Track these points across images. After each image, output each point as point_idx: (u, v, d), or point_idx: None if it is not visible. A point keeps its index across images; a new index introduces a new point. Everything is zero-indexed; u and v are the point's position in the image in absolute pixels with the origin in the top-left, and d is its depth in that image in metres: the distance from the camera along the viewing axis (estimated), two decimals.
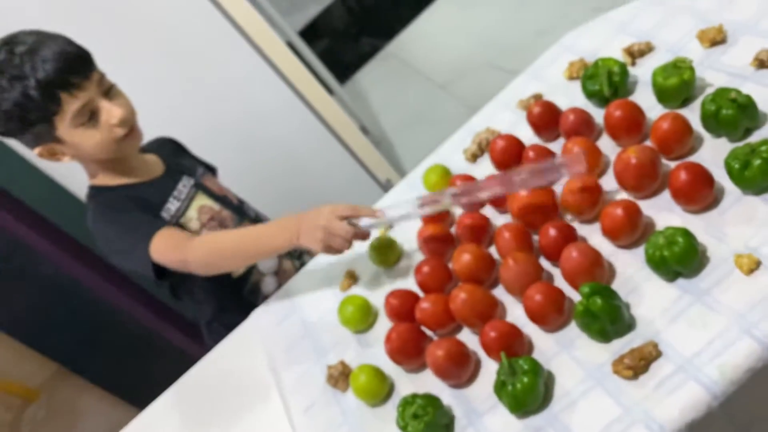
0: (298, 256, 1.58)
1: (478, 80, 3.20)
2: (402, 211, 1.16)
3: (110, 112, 1.25)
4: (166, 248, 1.27)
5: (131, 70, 2.08)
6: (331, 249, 1.16)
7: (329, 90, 3.06)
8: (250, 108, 2.36)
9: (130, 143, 1.31)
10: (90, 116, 1.24)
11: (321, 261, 1.39)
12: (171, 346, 2.43)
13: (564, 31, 1.42)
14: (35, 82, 1.17)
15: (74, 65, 1.20)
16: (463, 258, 1.06)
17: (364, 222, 1.17)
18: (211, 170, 1.60)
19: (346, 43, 4.23)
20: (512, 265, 1.00)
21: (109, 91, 1.27)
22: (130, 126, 1.29)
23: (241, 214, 1.51)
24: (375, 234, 1.22)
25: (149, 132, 1.59)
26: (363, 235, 1.17)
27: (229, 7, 2.19)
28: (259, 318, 1.38)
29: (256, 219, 1.56)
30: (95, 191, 1.38)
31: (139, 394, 2.20)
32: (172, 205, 1.39)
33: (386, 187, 2.67)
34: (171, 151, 1.53)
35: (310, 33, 4.32)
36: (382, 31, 3.95)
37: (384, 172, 2.71)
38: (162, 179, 1.42)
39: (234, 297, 1.41)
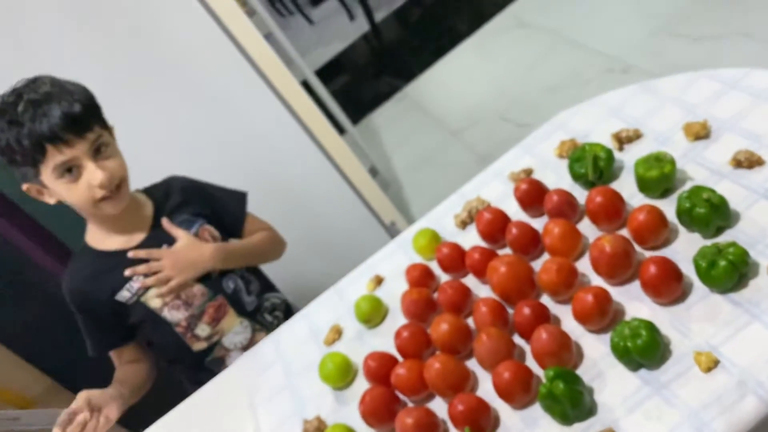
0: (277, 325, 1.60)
1: (488, 130, 3.26)
2: None
3: (93, 173, 1.29)
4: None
5: (141, 109, 2.17)
6: None
7: (341, 129, 3.13)
8: (260, 143, 2.41)
9: (111, 205, 1.35)
10: (71, 171, 1.29)
11: (309, 312, 1.44)
12: (163, 370, 2.47)
13: (575, 89, 1.47)
14: (28, 131, 1.23)
15: (72, 125, 1.25)
16: (441, 327, 1.10)
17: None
18: (221, 212, 1.61)
19: (364, 81, 4.32)
20: (485, 341, 1.04)
21: (100, 150, 1.31)
22: (112, 188, 1.33)
23: (216, 288, 1.51)
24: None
25: (166, 164, 1.64)
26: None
27: (248, 48, 2.26)
28: (245, 363, 1.42)
29: (233, 294, 1.53)
30: (80, 250, 1.47)
31: (130, 415, 2.25)
32: (135, 283, 1.43)
33: (390, 230, 2.71)
34: (173, 199, 1.54)
35: (331, 69, 4.42)
36: (401, 73, 4.04)
37: (389, 215, 2.76)
38: (142, 244, 1.46)
39: (195, 368, 1.46)
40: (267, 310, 1.62)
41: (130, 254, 1.42)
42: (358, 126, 3.76)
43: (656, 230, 1.05)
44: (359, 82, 4.35)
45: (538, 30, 3.65)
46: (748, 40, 2.63)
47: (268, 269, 1.84)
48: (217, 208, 1.61)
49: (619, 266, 1.04)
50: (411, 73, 3.96)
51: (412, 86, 3.94)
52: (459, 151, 3.30)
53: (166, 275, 1.44)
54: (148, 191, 1.56)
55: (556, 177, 1.29)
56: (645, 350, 0.92)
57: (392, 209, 2.78)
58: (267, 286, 1.71)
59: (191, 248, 1.47)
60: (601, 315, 1.01)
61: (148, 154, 2.17)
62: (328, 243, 2.61)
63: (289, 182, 2.49)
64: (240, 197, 1.67)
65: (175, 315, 1.47)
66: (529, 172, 1.34)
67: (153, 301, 1.45)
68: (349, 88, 4.26)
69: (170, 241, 1.47)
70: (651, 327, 0.94)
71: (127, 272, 1.41)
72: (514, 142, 1.46)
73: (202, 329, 1.50)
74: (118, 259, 1.43)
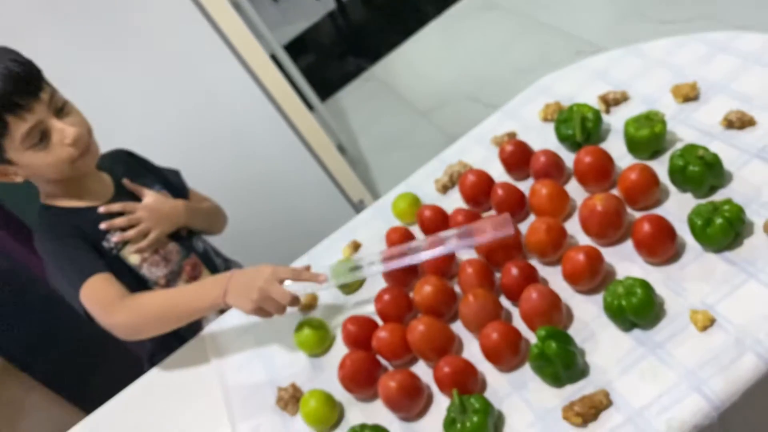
0: None
1: (457, 111, 3.23)
2: (345, 278, 1.15)
3: (62, 132, 1.20)
4: (93, 302, 1.24)
5: (106, 75, 2.08)
6: (261, 312, 1.14)
7: (309, 106, 3.06)
8: (227, 116, 2.34)
9: (84, 162, 1.27)
10: (41, 137, 1.20)
11: None
12: (123, 350, 2.38)
13: (544, 71, 1.44)
14: None
15: (21, 85, 1.15)
16: (424, 290, 1.06)
17: (300, 286, 1.16)
18: (169, 183, 1.56)
19: (330, 60, 4.24)
20: (471, 302, 1.00)
21: (62, 109, 1.23)
22: (84, 145, 1.25)
23: (188, 247, 1.47)
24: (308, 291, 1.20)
25: (121, 139, 1.57)
26: (297, 302, 1.15)
27: (215, 15, 2.18)
28: (212, 333, 1.36)
29: (204, 253, 1.51)
30: (43, 209, 1.35)
31: (86, 397, 2.15)
32: (114, 236, 1.35)
33: (358, 207, 2.66)
34: (125, 167, 1.47)
35: (296, 47, 4.33)
36: (368, 53, 3.97)
37: (357, 193, 2.71)
38: (110, 203, 1.37)
39: (173, 333, 1.38)
40: None
41: (102, 209, 1.34)
42: (325, 105, 3.68)
43: (648, 190, 1.02)
44: (325, 62, 4.27)
45: (507, 11, 3.62)
46: (716, 24, 2.64)
47: (234, 245, 1.77)
48: (164, 180, 1.55)
49: (611, 226, 1.01)
50: (378, 53, 3.90)
51: (380, 66, 3.88)
52: (428, 131, 3.26)
53: (146, 227, 1.37)
54: (97, 163, 1.48)
55: (541, 140, 1.26)
56: (640, 309, 0.89)
57: (360, 187, 2.73)
58: (227, 259, 1.66)
59: (164, 202, 1.43)
60: (593, 275, 0.97)
61: (111, 123, 2.08)
62: (295, 220, 2.54)
63: (255, 156, 2.42)
64: (177, 173, 1.61)
65: (154, 272, 1.40)
66: (512, 135, 1.30)
67: (131, 257, 1.37)
68: (314, 68, 4.17)
69: (136, 201, 1.41)
70: (646, 285, 0.91)
71: (104, 225, 1.33)
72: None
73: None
74: (91, 215, 1.34)
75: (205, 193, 1.67)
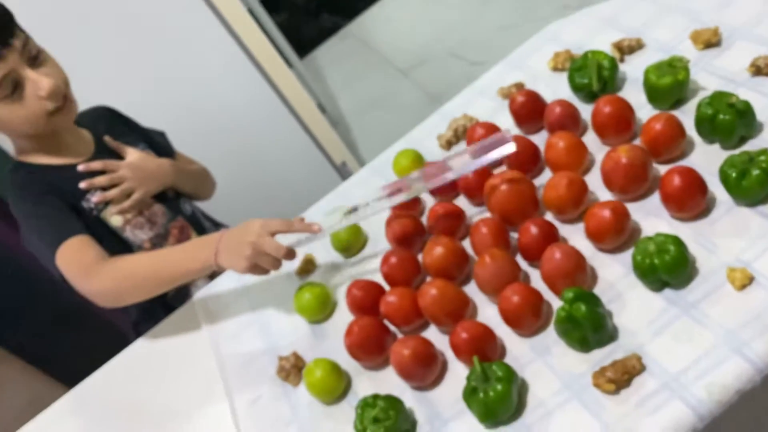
0: None
1: (439, 68, 3.13)
2: (340, 222, 1.06)
3: (37, 83, 1.11)
4: (70, 266, 1.15)
5: (75, 29, 1.95)
6: (257, 269, 1.06)
7: (288, 63, 2.94)
8: (203, 73, 2.23)
9: (62, 117, 1.17)
10: (13, 89, 1.10)
11: None
12: (105, 320, 2.29)
13: (529, 28, 1.36)
14: None
15: None
16: (435, 251, 0.99)
17: (295, 239, 1.08)
18: (154, 143, 1.47)
19: (305, 17, 4.09)
20: (488, 263, 0.93)
21: (36, 58, 1.13)
22: (61, 97, 1.15)
23: (175, 209, 1.39)
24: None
25: (97, 98, 1.46)
26: (292, 254, 1.06)
27: None
28: (203, 299, 1.28)
29: (192, 216, 1.43)
30: (17, 166, 1.24)
31: (66, 369, 2.06)
32: (94, 196, 1.26)
33: (342, 170, 2.57)
34: (107, 124, 1.38)
35: (269, 3, 4.17)
36: (345, 9, 3.84)
37: (340, 155, 2.61)
38: (90, 161, 1.28)
39: (159, 300, 1.30)
40: None
41: (81, 167, 1.24)
42: (302, 63, 3.56)
43: (674, 141, 0.96)
44: (299, 19, 4.12)
45: None
46: None
47: (213, 210, 1.69)
48: (149, 140, 1.46)
49: (637, 179, 0.94)
50: (355, 9, 3.77)
51: (357, 23, 3.76)
52: (409, 90, 3.17)
53: (130, 186, 1.28)
54: (77, 119, 1.38)
55: (551, 91, 1.18)
56: (674, 267, 0.83)
57: (343, 148, 2.63)
58: (216, 222, 1.58)
59: (149, 160, 1.34)
60: (619, 232, 0.91)
61: (84, 81, 1.96)
62: (277, 183, 2.45)
63: (234, 115, 2.31)
64: (162, 134, 1.52)
65: (138, 235, 1.31)
66: (520, 86, 1.23)
67: (113, 219, 1.28)
68: (288, 25, 4.02)
69: (119, 160, 1.31)
70: (678, 242, 0.85)
71: (83, 184, 1.24)
72: (467, 82, 1.34)
73: None
74: (69, 173, 1.25)
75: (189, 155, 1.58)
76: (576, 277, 0.89)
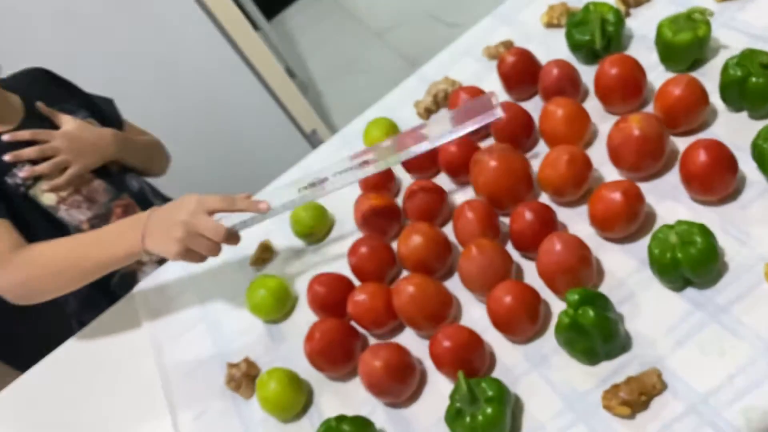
0: None
1: (416, 31, 2.96)
2: (294, 199, 0.89)
3: None
4: None
5: None
6: (190, 254, 0.88)
7: (254, 25, 2.74)
8: (161, 36, 2.04)
9: None
10: None
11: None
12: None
13: None
14: None
15: None
16: (412, 241, 0.83)
17: (238, 219, 0.90)
18: (99, 112, 1.29)
19: None
20: (475, 256, 0.78)
21: None
22: None
23: (120, 185, 1.22)
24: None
25: (40, 59, 1.29)
26: (234, 238, 0.89)
27: None
28: (145, 291, 1.11)
29: (140, 193, 1.26)
30: None
31: (14, 352, 1.90)
32: (22, 171, 1.08)
33: (311, 138, 2.40)
34: (41, 89, 1.21)
35: None
36: None
37: (310, 122, 2.44)
38: (17, 130, 1.11)
39: (101, 288, 1.13)
40: None
41: (6, 137, 1.08)
42: (270, 25, 3.35)
43: (695, 109, 0.81)
44: None
45: None
46: None
47: (172, 183, 1.51)
48: (93, 108, 1.28)
49: (651, 155, 0.79)
50: None
51: None
52: (384, 54, 2.99)
53: (64, 159, 1.11)
54: (6, 82, 1.20)
55: (546, 51, 1.02)
56: (702, 261, 0.68)
57: (313, 115, 2.46)
58: (169, 200, 1.41)
59: (88, 129, 1.18)
60: (631, 218, 0.76)
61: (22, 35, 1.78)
62: (242, 154, 2.27)
63: (196, 82, 2.13)
64: (109, 101, 1.35)
65: (75, 215, 1.14)
66: (509, 45, 1.06)
67: (45, 197, 1.11)
68: None
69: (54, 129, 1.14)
70: (705, 231, 0.70)
71: (8, 157, 1.07)
72: (446, 44, 1.18)
73: None
74: None
75: (140, 124, 1.40)
76: (580, 273, 0.74)
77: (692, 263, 0.69)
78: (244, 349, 0.94)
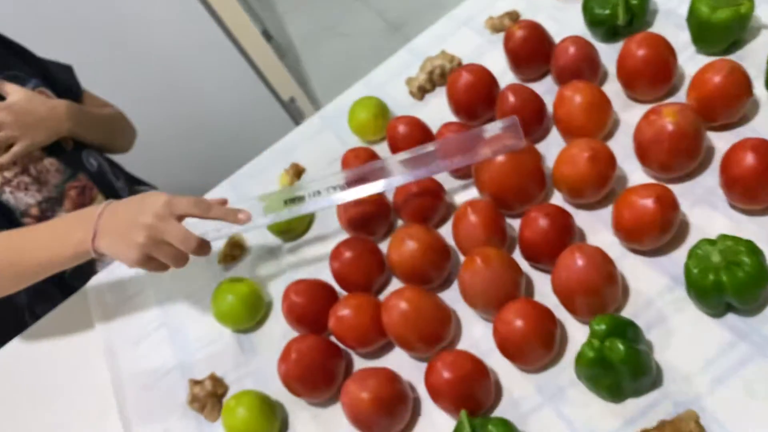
0: None
1: None
2: (280, 215, 0.77)
3: None
4: None
5: None
6: (152, 263, 0.76)
7: None
8: None
9: None
10: None
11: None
12: None
13: None
14: None
15: None
16: (405, 247, 0.72)
17: (212, 227, 0.78)
18: (54, 80, 1.14)
19: None
20: (479, 268, 0.66)
21: None
22: None
23: (75, 164, 1.08)
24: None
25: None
26: (205, 248, 0.77)
27: None
28: (99, 287, 0.99)
29: (99, 173, 1.12)
30: None
31: None
32: None
33: (289, 107, 2.26)
34: None
35: None
36: None
37: (287, 89, 2.30)
38: None
39: (53, 279, 1.01)
40: None
41: None
42: None
43: (737, 100, 0.70)
44: None
45: None
46: None
47: (138, 159, 1.38)
48: (47, 75, 1.14)
49: (686, 153, 0.68)
50: None
51: None
52: (366, 17, 2.83)
53: (9, 134, 0.99)
54: None
55: (557, 25, 0.90)
56: (750, 286, 0.58)
57: (291, 82, 2.31)
58: (133, 179, 1.28)
59: (36, 101, 1.04)
60: (664, 230, 0.65)
61: None
62: (214, 124, 2.13)
63: (162, 45, 1.96)
64: (67, 69, 1.20)
65: (22, 199, 1.01)
66: (515, 16, 0.94)
67: None
68: None
69: None
70: (755, 250, 0.59)
71: None
72: (433, 9, 1.05)
73: None
74: None
75: (103, 94, 1.26)
76: (604, 294, 0.64)
77: (739, 288, 0.58)
78: (209, 361, 0.82)
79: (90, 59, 1.79)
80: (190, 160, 2.07)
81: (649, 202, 0.64)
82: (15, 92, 1.03)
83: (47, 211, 1.05)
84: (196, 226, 0.76)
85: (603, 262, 0.64)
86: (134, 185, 1.25)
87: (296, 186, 0.78)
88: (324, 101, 2.47)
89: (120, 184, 1.19)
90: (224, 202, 0.78)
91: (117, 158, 1.28)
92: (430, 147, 0.74)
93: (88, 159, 1.13)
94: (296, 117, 2.31)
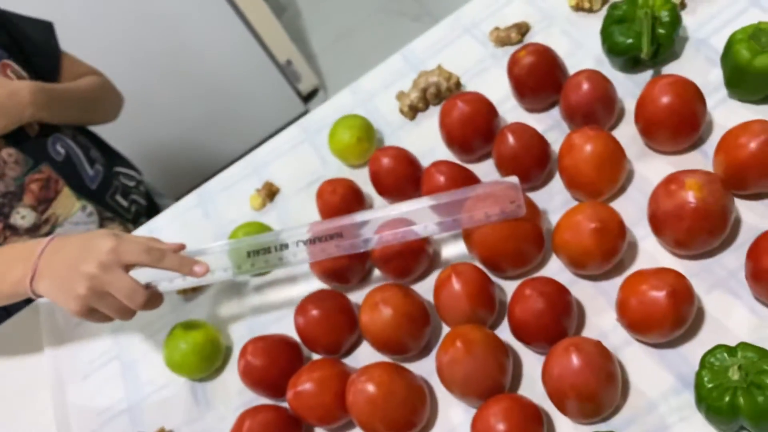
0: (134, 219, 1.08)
1: None
2: (244, 269, 0.68)
3: None
4: None
5: None
6: (93, 315, 0.68)
7: None
8: None
9: None
10: None
11: (152, 229, 0.91)
12: None
13: None
14: None
15: None
16: (379, 314, 0.63)
17: (164, 277, 0.69)
18: (27, 45, 1.03)
19: None
20: (460, 355, 0.58)
21: None
22: None
23: (38, 154, 0.98)
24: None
25: None
26: (156, 301, 0.69)
27: None
28: (50, 308, 0.90)
29: (67, 162, 1.02)
30: None
31: None
32: None
33: (286, 70, 2.14)
34: None
35: None
36: None
37: (284, 51, 2.17)
38: None
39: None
40: (120, 190, 1.09)
41: None
42: None
43: None
44: None
45: None
46: None
47: (121, 133, 1.28)
48: (18, 38, 1.02)
49: (708, 232, 0.58)
50: None
51: None
52: None
53: None
54: None
55: (572, 44, 0.79)
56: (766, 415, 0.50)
57: (287, 43, 2.18)
58: (114, 156, 1.17)
59: None
60: (675, 325, 0.56)
61: None
62: (205, 87, 2.01)
63: (151, 2, 1.83)
64: (46, 27, 1.07)
65: None
66: (524, 29, 0.83)
67: None
68: None
69: None
70: None
71: None
72: None
73: (23, 215, 0.97)
74: None
75: (91, 56, 1.14)
76: (601, 398, 0.55)
77: (758, 416, 0.50)
78: (160, 410, 0.74)
79: (77, 18, 1.68)
80: (178, 124, 1.96)
81: (661, 296, 0.55)
82: None
83: (4, 207, 0.96)
84: (146, 272, 0.67)
85: (602, 361, 0.55)
86: (113, 167, 1.14)
87: (262, 237, 0.68)
88: (322, 66, 2.35)
89: (93, 172, 1.08)
90: (180, 248, 0.69)
91: (101, 130, 1.17)
92: (416, 206, 0.64)
93: (54, 146, 1.02)
94: (292, 81, 2.19)
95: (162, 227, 0.92)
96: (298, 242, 0.66)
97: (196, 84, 1.99)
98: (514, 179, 0.62)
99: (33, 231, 0.97)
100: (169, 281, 0.68)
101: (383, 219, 0.65)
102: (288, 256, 0.66)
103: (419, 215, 0.64)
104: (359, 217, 0.65)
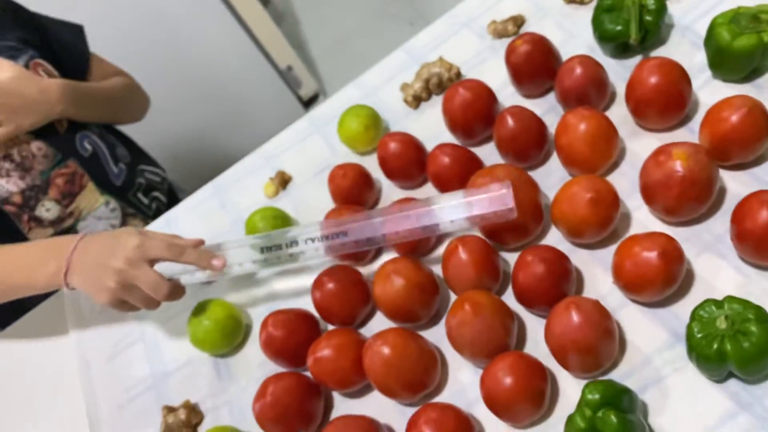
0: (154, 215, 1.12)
1: None
2: (257, 257, 0.73)
3: None
4: None
5: None
6: (123, 305, 0.74)
7: None
8: None
9: None
10: None
11: (171, 219, 0.96)
12: None
13: None
14: None
15: None
16: (391, 284, 0.67)
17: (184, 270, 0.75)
18: (57, 47, 1.07)
19: None
20: (468, 317, 0.62)
21: None
22: None
23: (66, 149, 1.02)
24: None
25: None
26: (178, 292, 0.74)
27: None
28: (76, 293, 0.94)
29: (93, 158, 1.06)
30: None
31: None
32: None
33: (286, 76, 2.19)
34: None
35: None
36: None
37: (285, 57, 2.22)
38: None
39: None
40: (142, 188, 1.14)
41: None
42: None
43: (754, 142, 0.64)
44: None
45: None
46: None
47: (139, 133, 1.32)
48: (49, 39, 1.07)
49: (695, 199, 0.63)
50: None
51: None
52: None
53: None
54: None
55: (565, 34, 0.84)
56: (755, 358, 0.54)
57: (288, 49, 2.23)
58: (139, 154, 1.22)
59: (26, 81, 0.96)
60: (667, 284, 0.61)
61: None
62: (207, 92, 2.06)
63: (153, 7, 1.88)
64: (76, 30, 1.12)
65: (3, 186, 0.96)
66: (519, 21, 0.88)
67: None
68: None
69: None
70: (764, 318, 0.55)
71: None
72: None
73: (48, 208, 1.01)
74: None
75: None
76: (600, 352, 0.60)
77: (743, 360, 0.54)
78: (184, 385, 0.79)
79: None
80: (183, 126, 2.00)
81: (652, 256, 0.59)
82: (3, 69, 0.96)
83: (31, 199, 1.00)
84: (169, 266, 0.72)
85: (600, 318, 0.60)
86: (139, 165, 1.18)
87: (274, 233, 0.73)
88: (322, 71, 2.40)
89: (117, 169, 1.12)
90: (200, 243, 0.74)
91: (128, 129, 1.22)
92: (414, 209, 0.69)
93: (81, 143, 1.06)
94: (293, 86, 2.24)
95: (178, 217, 0.96)
96: (306, 239, 0.71)
97: (200, 91, 2.04)
98: (506, 187, 0.66)
99: (57, 223, 1.02)
100: (190, 275, 0.74)
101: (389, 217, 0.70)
102: (298, 253, 0.71)
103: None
104: (366, 216, 0.70)
